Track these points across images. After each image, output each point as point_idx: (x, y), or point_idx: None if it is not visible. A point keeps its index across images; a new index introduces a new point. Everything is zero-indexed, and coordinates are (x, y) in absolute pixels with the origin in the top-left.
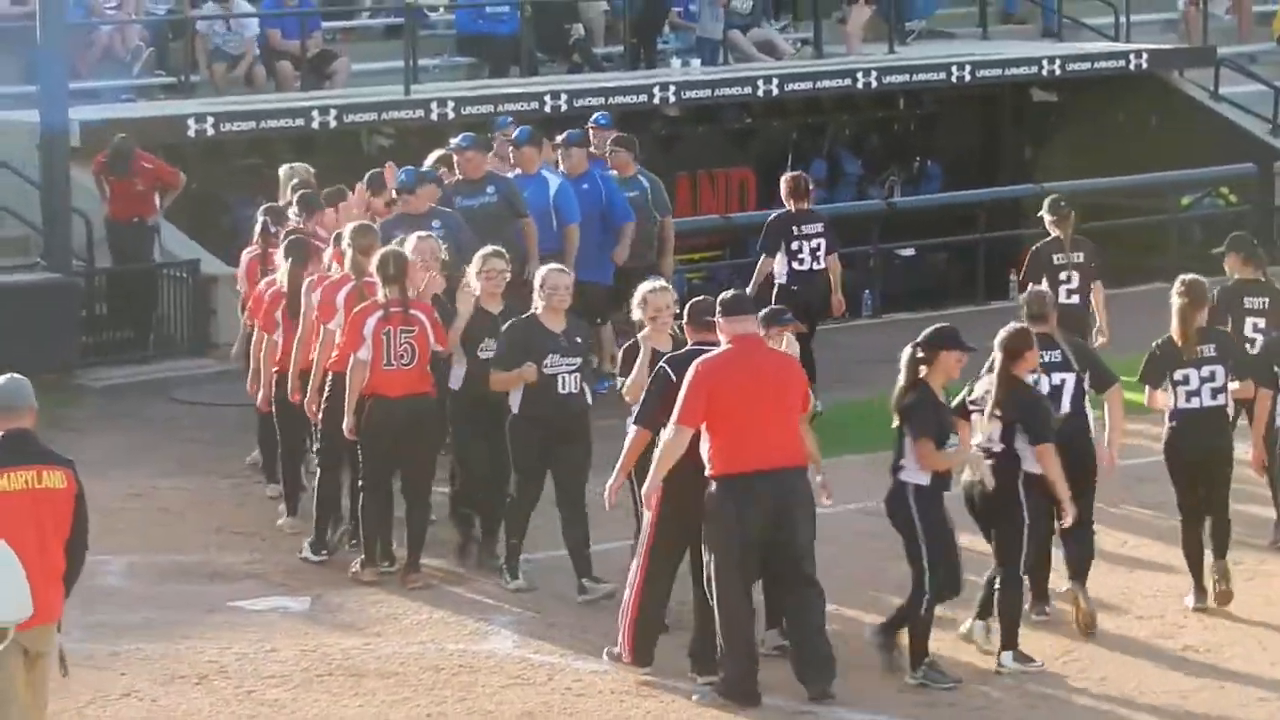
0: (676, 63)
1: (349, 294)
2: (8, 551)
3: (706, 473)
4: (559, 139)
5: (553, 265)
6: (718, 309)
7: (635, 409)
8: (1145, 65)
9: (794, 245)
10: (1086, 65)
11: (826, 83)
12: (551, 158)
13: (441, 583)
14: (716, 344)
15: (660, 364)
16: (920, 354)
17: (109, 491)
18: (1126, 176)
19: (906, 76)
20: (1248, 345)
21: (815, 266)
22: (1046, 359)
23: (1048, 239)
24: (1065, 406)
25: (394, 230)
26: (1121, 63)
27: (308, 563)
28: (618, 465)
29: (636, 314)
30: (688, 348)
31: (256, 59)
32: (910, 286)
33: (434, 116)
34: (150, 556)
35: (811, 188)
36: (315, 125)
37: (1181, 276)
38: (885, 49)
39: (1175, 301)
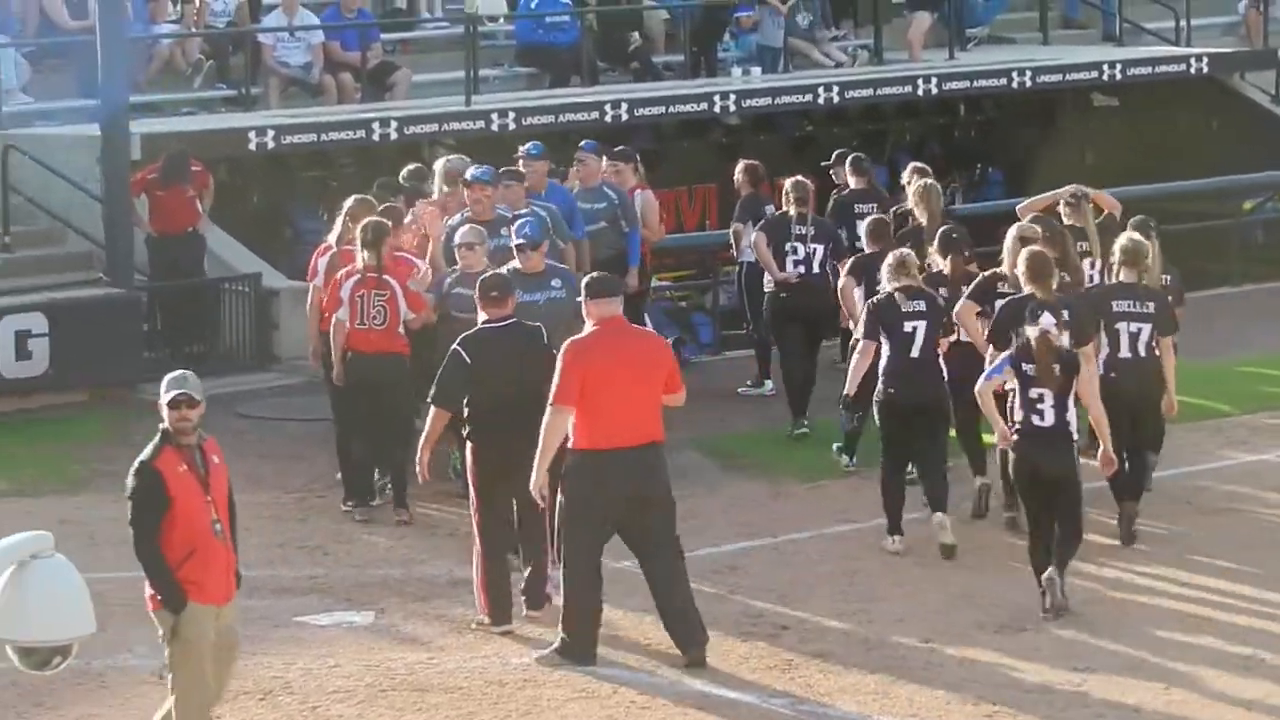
0: (737, 71)
1: (329, 260)
2: (69, 567)
3: (570, 444)
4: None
5: None
6: (583, 292)
7: (433, 388)
8: (1206, 69)
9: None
10: (1147, 69)
11: (887, 90)
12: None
13: None
14: (509, 318)
15: (454, 345)
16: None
17: None
18: (1187, 181)
19: (967, 83)
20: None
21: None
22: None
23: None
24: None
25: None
26: (1182, 66)
27: (349, 515)
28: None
29: None
30: (478, 326)
31: (322, 70)
32: None
33: (495, 127)
34: None
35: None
36: (376, 137)
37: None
38: (946, 55)
39: None
